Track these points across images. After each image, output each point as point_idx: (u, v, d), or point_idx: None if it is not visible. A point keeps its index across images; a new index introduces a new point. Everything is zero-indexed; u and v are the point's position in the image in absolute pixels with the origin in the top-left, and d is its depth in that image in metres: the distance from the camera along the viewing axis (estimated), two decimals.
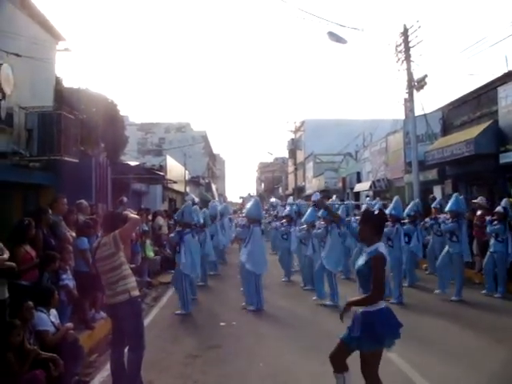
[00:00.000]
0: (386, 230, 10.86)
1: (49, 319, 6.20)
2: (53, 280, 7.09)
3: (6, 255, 5.72)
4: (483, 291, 11.64)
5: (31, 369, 5.27)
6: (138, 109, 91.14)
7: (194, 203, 13.82)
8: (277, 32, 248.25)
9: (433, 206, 14.48)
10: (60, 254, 7.41)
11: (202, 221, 13.51)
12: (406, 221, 12.59)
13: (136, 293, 5.64)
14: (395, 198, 12.41)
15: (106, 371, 6.44)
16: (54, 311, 6.49)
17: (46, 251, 7.19)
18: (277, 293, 12.36)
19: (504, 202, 11.68)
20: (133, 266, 8.62)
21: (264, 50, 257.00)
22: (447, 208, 11.72)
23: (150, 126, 58.70)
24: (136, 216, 6.18)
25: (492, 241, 11.45)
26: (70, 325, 6.53)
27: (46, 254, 7.10)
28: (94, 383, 6.21)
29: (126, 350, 5.65)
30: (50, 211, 8.08)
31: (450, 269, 11.43)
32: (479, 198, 13.52)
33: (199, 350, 7.58)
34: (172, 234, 11.46)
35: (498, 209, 11.43)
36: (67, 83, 17.88)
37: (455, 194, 12.12)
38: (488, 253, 11.63)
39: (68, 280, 7.60)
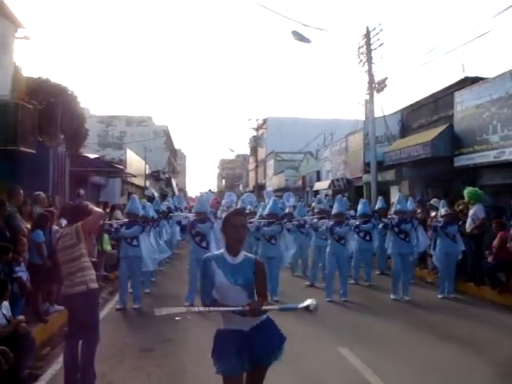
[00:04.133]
0: (340, 229, 11.11)
1: (0, 311, 6.11)
2: (6, 272, 6.99)
3: None
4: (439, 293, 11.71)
5: None
6: (99, 101, 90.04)
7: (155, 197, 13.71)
8: (241, 29, 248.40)
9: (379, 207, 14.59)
10: (14, 246, 7.31)
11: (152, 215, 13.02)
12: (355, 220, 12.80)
13: (94, 285, 5.65)
14: (338, 197, 12.72)
15: (58, 364, 6.40)
16: (5, 303, 6.39)
17: (0, 243, 7.09)
18: None
19: (442, 203, 11.98)
20: (94, 259, 8.59)
21: (228, 46, 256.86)
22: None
23: (111, 118, 57.88)
24: (100, 210, 6.22)
25: (444, 241, 11.58)
26: (21, 317, 6.44)
27: (0, 245, 6.99)
28: (46, 376, 6.14)
29: (80, 342, 5.63)
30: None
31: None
32: (433, 200, 13.88)
33: (153, 344, 7.59)
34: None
35: (445, 210, 11.66)
36: (27, 72, 17.57)
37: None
38: (440, 253, 11.77)
39: (21, 272, 7.49)
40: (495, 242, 11.28)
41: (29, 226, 8.38)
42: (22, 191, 8.88)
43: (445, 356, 7.11)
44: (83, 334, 5.59)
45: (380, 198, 14.55)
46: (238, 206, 14.33)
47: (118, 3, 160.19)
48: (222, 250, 3.97)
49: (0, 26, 13.07)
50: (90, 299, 5.56)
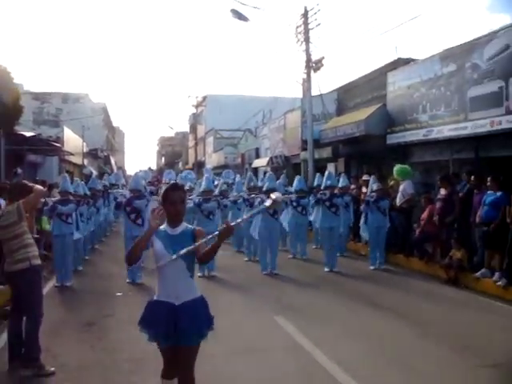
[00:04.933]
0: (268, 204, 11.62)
1: None
2: None
3: None
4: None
5: None
6: (33, 76, 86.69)
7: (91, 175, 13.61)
8: (181, 5, 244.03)
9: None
10: None
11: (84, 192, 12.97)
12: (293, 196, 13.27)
13: (37, 261, 5.78)
14: (268, 174, 13.57)
15: (1, 341, 6.52)
16: None
17: None
18: None
19: (372, 179, 12.74)
20: (36, 236, 8.64)
21: (168, 23, 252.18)
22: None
23: (47, 95, 55.99)
24: (41, 187, 6.31)
25: (375, 214, 12.16)
26: None
27: None
28: None
29: (24, 318, 5.77)
30: None
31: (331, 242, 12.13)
32: (364, 176, 14.50)
33: (94, 318, 7.82)
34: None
35: (378, 186, 12.31)
36: None
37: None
38: (371, 226, 12.32)
39: None
40: (424, 215, 11.98)
41: None
42: None
43: (372, 321, 7.67)
44: (27, 310, 5.74)
45: (318, 174, 15.04)
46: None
47: None
48: (164, 225, 4.01)
49: None
50: (32, 275, 5.70)
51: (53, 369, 5.61)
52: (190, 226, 4.08)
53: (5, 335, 6.23)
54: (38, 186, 6.19)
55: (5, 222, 5.72)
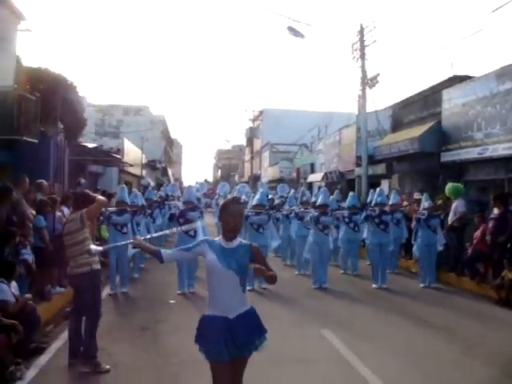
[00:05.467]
0: (325, 218, 11.80)
1: (10, 290, 6.65)
2: (13, 254, 7.52)
3: None
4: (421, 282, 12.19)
5: None
6: (96, 90, 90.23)
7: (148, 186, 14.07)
8: (239, 22, 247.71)
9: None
10: (20, 231, 7.83)
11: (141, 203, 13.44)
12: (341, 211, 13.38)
13: (97, 266, 6.20)
14: (322, 189, 13.52)
15: (61, 340, 7.01)
16: (14, 283, 6.94)
17: (8, 227, 7.62)
18: None
19: (425, 196, 12.62)
20: (97, 243, 9.08)
21: (226, 39, 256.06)
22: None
23: (109, 107, 57.76)
24: (103, 198, 6.77)
25: (425, 232, 12.08)
26: (29, 296, 7.02)
27: (8, 229, 7.52)
28: (51, 350, 6.72)
29: (83, 318, 6.19)
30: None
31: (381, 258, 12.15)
32: (415, 194, 14.48)
33: (148, 323, 8.20)
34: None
35: (429, 203, 12.27)
36: (26, 62, 17.94)
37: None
38: (421, 244, 12.21)
39: (27, 255, 8.03)
40: (476, 234, 11.85)
41: (34, 212, 8.90)
42: (27, 180, 9.40)
43: (418, 338, 7.70)
44: (86, 311, 6.15)
45: (371, 191, 15.11)
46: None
47: None
48: (219, 237, 4.04)
49: (3, 19, 13.47)
50: (93, 279, 6.11)
51: (108, 366, 6.01)
52: (244, 241, 4.08)
53: (65, 334, 6.70)
54: (101, 197, 6.65)
55: (69, 228, 6.18)
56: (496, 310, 9.76)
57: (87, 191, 7.14)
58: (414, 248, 12.71)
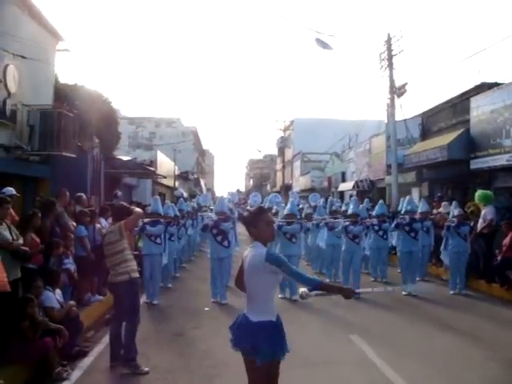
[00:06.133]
0: (354, 228, 11.98)
1: (54, 297, 7.12)
2: (57, 264, 8.02)
3: (21, 241, 6.63)
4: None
5: (41, 337, 6.18)
6: (128, 102, 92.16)
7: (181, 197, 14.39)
8: (269, 33, 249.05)
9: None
10: (63, 241, 8.32)
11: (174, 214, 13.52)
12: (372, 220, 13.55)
13: (135, 275, 6.62)
14: (353, 199, 13.78)
15: (102, 344, 7.45)
16: (58, 291, 7.42)
17: (52, 238, 8.12)
18: None
19: (454, 204, 12.76)
20: (136, 253, 9.48)
21: (257, 50, 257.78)
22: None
23: (141, 120, 58.67)
24: (140, 210, 7.21)
25: (455, 240, 12.18)
26: (72, 302, 7.51)
27: (52, 240, 8.02)
28: (93, 353, 7.16)
29: (123, 324, 6.59)
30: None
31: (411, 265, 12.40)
32: (443, 204, 14.59)
33: (183, 330, 8.60)
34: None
35: (459, 211, 12.39)
36: (62, 79, 18.62)
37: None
38: (451, 251, 12.32)
39: (70, 264, 8.53)
40: (505, 242, 11.92)
41: (74, 224, 9.40)
42: (67, 193, 9.92)
43: (446, 346, 7.82)
44: (126, 317, 6.56)
45: (402, 199, 15.24)
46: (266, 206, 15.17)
47: (148, 5, 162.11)
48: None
49: (43, 40, 14.08)
50: (131, 287, 6.52)
51: (147, 368, 6.41)
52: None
53: (106, 339, 7.13)
54: (138, 209, 7.09)
55: (109, 239, 6.62)
56: None
57: (124, 204, 7.57)
58: (442, 255, 12.87)
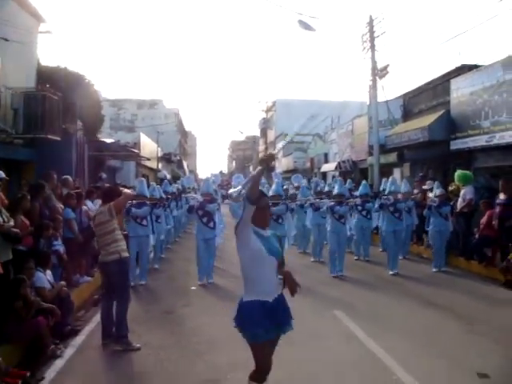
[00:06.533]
0: (340, 208, 12.02)
1: (45, 278, 7.27)
2: (47, 246, 8.15)
3: (12, 223, 6.75)
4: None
5: (34, 316, 6.34)
6: (110, 84, 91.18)
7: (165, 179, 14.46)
8: (251, 15, 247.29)
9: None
10: (52, 223, 8.44)
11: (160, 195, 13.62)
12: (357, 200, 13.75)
13: (125, 254, 6.78)
14: (337, 179, 14.04)
15: (93, 323, 7.64)
16: (49, 272, 7.56)
17: (42, 220, 8.24)
18: None
19: (436, 184, 13.08)
20: (125, 232, 9.60)
21: (238, 31, 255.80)
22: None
23: (123, 102, 58.39)
24: (129, 191, 7.36)
25: (437, 219, 12.50)
26: (63, 283, 7.65)
27: (42, 223, 8.14)
28: (85, 332, 7.34)
29: (114, 302, 6.77)
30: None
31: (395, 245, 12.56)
32: (428, 183, 14.87)
33: (173, 308, 8.81)
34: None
35: (441, 191, 12.73)
36: (44, 61, 18.51)
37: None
38: (433, 230, 12.66)
39: (59, 246, 8.65)
40: (483, 220, 12.26)
41: (62, 206, 9.51)
42: (55, 176, 10.01)
43: (427, 321, 8.10)
44: (117, 295, 6.73)
45: (384, 179, 15.48)
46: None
47: None
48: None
49: (25, 22, 14.03)
50: (122, 266, 6.69)
51: (138, 345, 6.62)
52: (269, 230, 4.40)
53: (96, 318, 7.33)
54: (127, 190, 7.23)
55: (99, 220, 6.77)
56: (502, 291, 10.19)
57: (115, 186, 7.72)
58: (430, 234, 13.06)
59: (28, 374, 5.38)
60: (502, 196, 11.78)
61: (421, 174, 17.22)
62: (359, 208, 13.79)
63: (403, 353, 6.44)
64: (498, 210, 11.71)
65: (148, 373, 5.85)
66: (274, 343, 4.30)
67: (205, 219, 11.11)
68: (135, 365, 6.16)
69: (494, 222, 11.77)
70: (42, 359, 6.07)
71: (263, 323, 4.05)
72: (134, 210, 10.85)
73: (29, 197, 7.88)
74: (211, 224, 11.16)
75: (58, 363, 6.09)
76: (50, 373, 5.78)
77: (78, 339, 7.02)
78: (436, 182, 13.31)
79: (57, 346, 6.40)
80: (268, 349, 4.22)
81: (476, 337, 7.22)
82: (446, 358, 6.27)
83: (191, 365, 6.09)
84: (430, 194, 14.21)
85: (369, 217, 14.04)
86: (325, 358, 6.34)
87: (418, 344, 6.86)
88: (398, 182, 13.36)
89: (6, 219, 6.67)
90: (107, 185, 10.11)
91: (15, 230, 6.73)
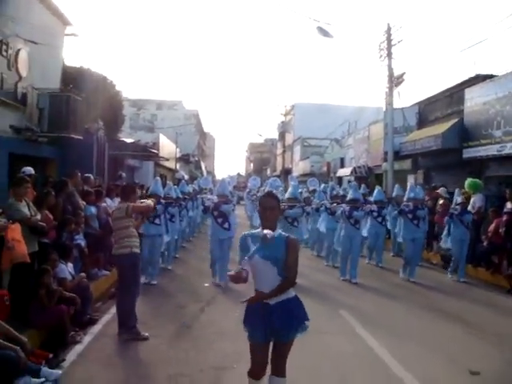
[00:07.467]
0: (357, 213, 11.94)
1: (67, 269, 7.75)
2: (69, 239, 8.63)
3: (39, 216, 7.21)
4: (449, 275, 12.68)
5: (56, 304, 6.80)
6: (130, 84, 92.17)
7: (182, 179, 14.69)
8: (271, 20, 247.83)
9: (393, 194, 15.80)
10: (74, 218, 8.92)
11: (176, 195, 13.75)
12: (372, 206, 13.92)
13: (136, 250, 7.20)
14: (352, 184, 14.11)
15: (109, 314, 8.09)
16: (70, 264, 8.04)
17: (65, 215, 8.72)
18: None
19: (457, 192, 13.25)
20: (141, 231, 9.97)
21: (259, 36, 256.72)
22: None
23: (143, 102, 58.86)
24: (151, 203, 7.78)
25: (459, 228, 12.36)
26: (83, 274, 8.13)
27: (65, 217, 8.62)
28: (102, 321, 7.81)
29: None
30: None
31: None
32: (440, 189, 15.11)
33: (186, 303, 9.22)
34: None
35: (462, 199, 12.77)
36: (68, 62, 19.04)
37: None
38: (454, 239, 12.48)
39: (80, 240, 9.13)
40: (491, 228, 12.50)
41: (84, 203, 9.99)
42: (79, 174, 10.51)
43: (431, 324, 8.33)
44: (127, 287, 7.14)
45: (397, 185, 15.71)
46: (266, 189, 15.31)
47: None
48: (259, 229, 4.30)
49: (52, 25, 14.58)
50: (132, 259, 7.11)
51: (147, 334, 7.03)
52: (284, 234, 4.29)
53: (113, 309, 7.85)
54: (150, 202, 7.73)
55: (115, 215, 7.29)
56: (507, 298, 10.49)
57: (133, 185, 8.18)
58: (444, 242, 13.05)
59: (51, 355, 5.82)
60: (509, 205, 12.04)
61: (433, 185, 17.41)
62: (375, 214, 13.76)
63: (401, 349, 6.75)
64: (505, 218, 11.96)
65: (159, 359, 6.26)
66: (265, 348, 4.25)
67: (220, 220, 11.12)
68: (147, 352, 6.56)
69: (500, 230, 12.01)
70: (63, 343, 6.53)
71: (256, 324, 4.18)
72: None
73: (53, 193, 8.36)
74: (226, 225, 11.11)
75: (78, 348, 6.54)
76: (70, 356, 6.22)
77: (96, 328, 7.48)
78: (457, 190, 13.38)
79: (77, 333, 6.86)
80: (259, 352, 4.23)
81: (477, 339, 7.50)
82: (440, 356, 6.58)
83: (200, 353, 6.49)
84: (441, 202, 14.48)
85: (383, 223, 14.12)
86: (324, 350, 6.68)
87: (417, 344, 7.12)
88: (417, 189, 13.08)
89: (33, 213, 7.12)
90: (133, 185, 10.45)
91: (41, 223, 7.18)
